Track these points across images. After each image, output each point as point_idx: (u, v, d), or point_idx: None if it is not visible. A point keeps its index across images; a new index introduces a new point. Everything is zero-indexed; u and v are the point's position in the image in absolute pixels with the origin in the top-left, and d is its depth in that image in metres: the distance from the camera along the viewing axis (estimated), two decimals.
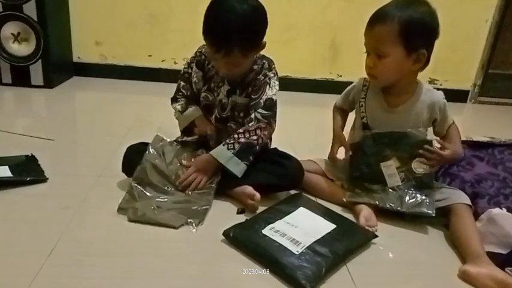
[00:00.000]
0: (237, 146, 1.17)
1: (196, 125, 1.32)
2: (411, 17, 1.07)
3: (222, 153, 1.17)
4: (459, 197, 1.16)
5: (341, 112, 1.36)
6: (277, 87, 1.26)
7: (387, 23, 1.08)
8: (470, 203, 1.15)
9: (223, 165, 1.18)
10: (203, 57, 1.29)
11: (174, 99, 1.36)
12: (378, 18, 1.10)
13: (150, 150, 1.21)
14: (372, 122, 1.24)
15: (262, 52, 1.26)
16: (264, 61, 1.25)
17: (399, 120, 1.21)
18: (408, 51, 1.10)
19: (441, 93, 1.22)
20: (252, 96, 1.23)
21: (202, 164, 1.20)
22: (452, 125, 1.23)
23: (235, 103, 1.26)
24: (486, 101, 2.89)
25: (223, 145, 1.19)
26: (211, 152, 1.19)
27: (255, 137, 1.19)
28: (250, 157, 1.19)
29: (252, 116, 1.21)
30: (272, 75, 1.25)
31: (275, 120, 1.26)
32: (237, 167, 1.18)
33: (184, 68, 1.33)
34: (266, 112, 1.21)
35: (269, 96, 1.22)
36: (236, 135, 1.19)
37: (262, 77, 1.23)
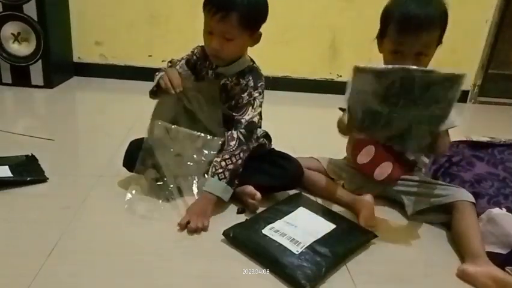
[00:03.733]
0: (227, 174, 1.15)
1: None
2: (441, 15, 1.11)
3: (216, 185, 1.15)
4: (463, 195, 1.16)
5: None
6: (260, 107, 1.23)
7: (432, 30, 1.10)
8: (474, 201, 1.14)
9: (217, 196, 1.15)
10: (195, 57, 1.28)
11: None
12: (423, 27, 1.09)
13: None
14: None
15: (259, 48, 1.23)
16: (250, 78, 1.22)
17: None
18: (438, 44, 1.15)
19: None
20: (234, 113, 1.21)
21: (199, 208, 1.13)
22: (444, 133, 1.15)
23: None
24: (486, 101, 2.90)
25: (213, 176, 1.15)
26: (206, 189, 1.15)
27: (240, 161, 1.17)
28: (236, 181, 1.18)
29: (234, 135, 1.18)
30: (257, 94, 1.22)
31: (253, 141, 1.23)
32: (228, 194, 1.17)
33: (171, 60, 1.33)
34: (247, 134, 1.19)
35: (251, 119, 1.20)
36: (223, 163, 1.15)
37: (247, 97, 1.21)
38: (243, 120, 1.19)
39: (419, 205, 1.20)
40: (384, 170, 1.21)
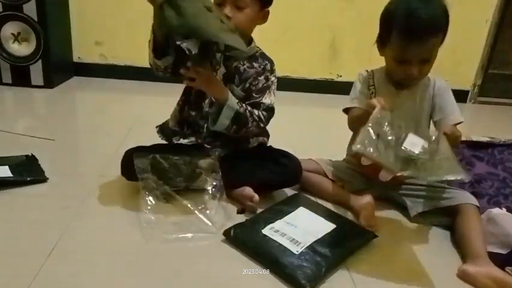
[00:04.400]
0: (242, 110, 1.16)
1: None
2: (443, 14, 1.09)
3: (232, 100, 1.16)
4: (467, 198, 1.16)
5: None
6: (275, 94, 1.25)
7: (437, 33, 1.08)
8: (478, 204, 1.14)
9: (220, 103, 1.14)
10: None
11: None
12: (428, 33, 1.07)
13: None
14: None
15: (263, 48, 1.24)
16: (266, 62, 1.24)
17: (406, 103, 1.20)
18: (441, 43, 1.13)
19: (445, 82, 1.22)
20: (254, 94, 1.22)
21: (211, 78, 1.16)
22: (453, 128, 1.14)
23: (231, 92, 1.23)
24: (486, 101, 2.90)
25: (235, 99, 1.17)
26: (226, 88, 1.17)
27: (254, 123, 1.19)
28: (235, 126, 1.18)
29: (256, 113, 1.20)
30: (274, 78, 1.24)
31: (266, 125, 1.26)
32: (223, 120, 1.16)
33: None
34: (267, 116, 1.22)
35: (271, 104, 1.22)
36: (249, 107, 1.18)
37: (264, 80, 1.22)
38: (262, 104, 1.21)
39: (422, 207, 1.20)
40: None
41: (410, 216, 1.21)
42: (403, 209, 1.26)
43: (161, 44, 1.11)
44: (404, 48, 1.09)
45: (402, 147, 0.94)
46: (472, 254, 1.02)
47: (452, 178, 0.90)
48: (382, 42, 1.15)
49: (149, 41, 1.12)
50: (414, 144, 0.95)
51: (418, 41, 1.07)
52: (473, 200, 1.15)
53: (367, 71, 1.27)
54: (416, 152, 0.93)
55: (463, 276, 0.98)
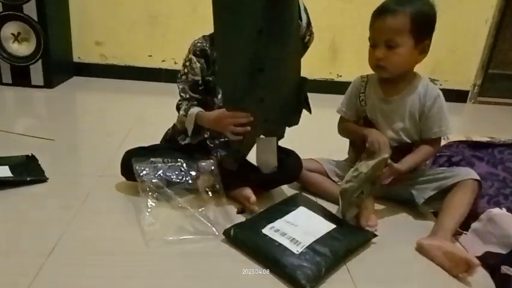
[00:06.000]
0: None
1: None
2: (420, 9, 1.10)
3: None
4: (468, 173, 1.17)
5: (348, 122, 1.32)
6: None
7: (399, 15, 1.10)
8: (478, 178, 1.16)
9: None
10: (199, 43, 1.22)
11: (177, 108, 1.29)
12: (389, 10, 1.11)
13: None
14: (371, 113, 1.25)
15: None
16: None
17: (396, 110, 1.22)
18: (416, 42, 1.12)
19: (438, 88, 1.21)
20: None
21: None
22: (432, 141, 1.20)
23: None
24: (486, 101, 2.90)
25: None
26: None
27: None
28: None
29: None
30: None
31: None
32: None
33: (181, 71, 1.30)
34: None
35: None
36: None
37: None
38: None
39: (428, 193, 1.21)
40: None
41: (411, 211, 1.23)
42: (404, 208, 1.26)
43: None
44: (371, 28, 1.15)
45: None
46: (436, 228, 1.10)
47: None
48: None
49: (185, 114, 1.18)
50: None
51: (379, 19, 1.12)
52: (473, 175, 1.16)
53: (362, 76, 1.29)
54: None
55: (418, 249, 1.06)
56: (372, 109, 1.25)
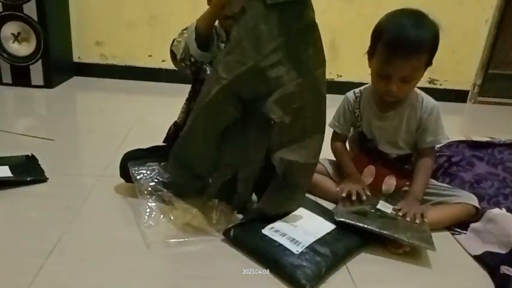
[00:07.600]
0: None
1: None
2: (433, 38, 1.08)
3: None
4: (470, 199, 1.17)
5: (342, 146, 1.32)
6: None
7: (422, 54, 1.07)
8: (478, 206, 1.15)
9: None
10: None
11: (172, 52, 1.27)
12: (413, 51, 1.06)
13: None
14: (367, 130, 1.26)
15: None
16: None
17: (392, 125, 1.22)
18: (429, 65, 1.12)
19: (434, 101, 1.21)
20: None
21: None
22: (429, 151, 1.21)
23: None
24: (486, 101, 2.89)
25: None
26: None
27: None
28: None
29: None
30: None
31: None
32: None
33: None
34: None
35: None
36: None
37: None
38: None
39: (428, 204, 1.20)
40: (389, 184, 1.25)
41: None
42: None
43: (205, 38, 1.12)
44: (387, 62, 1.09)
45: (378, 208, 1.12)
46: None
47: (423, 246, 1.02)
48: (370, 54, 1.16)
49: (183, 33, 1.16)
50: (386, 206, 1.14)
51: (401, 58, 1.06)
52: (475, 202, 1.16)
53: (355, 92, 1.28)
54: (389, 211, 1.12)
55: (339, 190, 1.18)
56: (368, 124, 1.25)
